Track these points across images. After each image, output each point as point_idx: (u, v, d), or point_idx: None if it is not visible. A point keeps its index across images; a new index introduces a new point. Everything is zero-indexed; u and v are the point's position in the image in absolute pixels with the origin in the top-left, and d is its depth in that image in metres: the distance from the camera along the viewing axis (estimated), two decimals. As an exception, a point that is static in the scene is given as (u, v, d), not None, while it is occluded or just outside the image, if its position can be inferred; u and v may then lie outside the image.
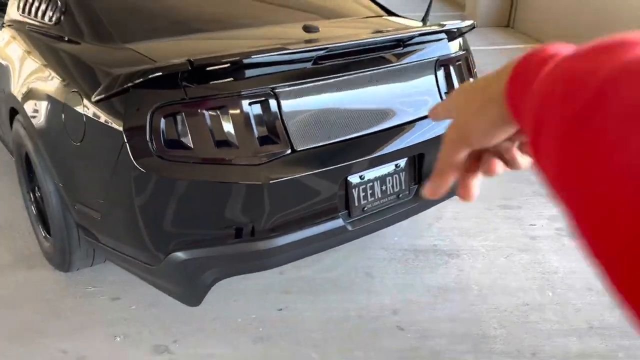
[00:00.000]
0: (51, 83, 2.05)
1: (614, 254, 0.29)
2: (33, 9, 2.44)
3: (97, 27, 2.09)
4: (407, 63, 2.11)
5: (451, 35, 2.28)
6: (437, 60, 2.20)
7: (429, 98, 2.18)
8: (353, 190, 1.98)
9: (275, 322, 2.19)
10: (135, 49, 1.93)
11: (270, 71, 1.82)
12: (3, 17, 2.81)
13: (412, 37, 2.09)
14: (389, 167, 2.07)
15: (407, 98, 2.14)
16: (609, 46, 0.35)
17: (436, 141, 2.16)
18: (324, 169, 1.89)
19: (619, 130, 0.29)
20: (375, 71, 2.03)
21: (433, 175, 0.54)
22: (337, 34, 2.26)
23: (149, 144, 1.68)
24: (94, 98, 1.75)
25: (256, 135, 1.78)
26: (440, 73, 2.22)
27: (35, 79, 2.17)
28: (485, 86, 0.48)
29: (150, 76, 1.63)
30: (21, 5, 2.55)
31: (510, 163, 0.54)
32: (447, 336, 2.11)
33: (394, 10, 2.79)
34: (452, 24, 2.19)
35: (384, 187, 2.07)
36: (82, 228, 2.09)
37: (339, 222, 1.97)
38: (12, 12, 2.66)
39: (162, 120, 1.68)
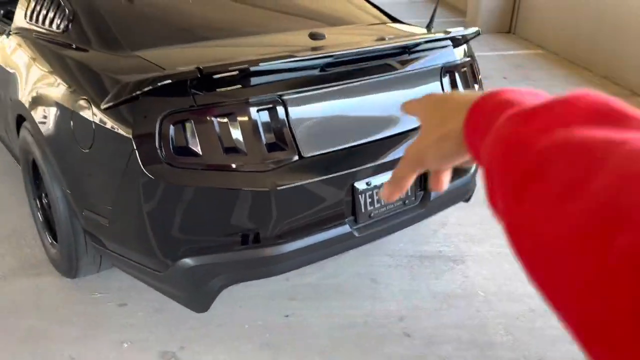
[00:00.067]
0: (59, 90, 2.07)
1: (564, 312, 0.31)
2: (40, 17, 2.46)
3: (105, 35, 2.10)
4: (413, 70, 2.13)
5: (456, 42, 2.29)
6: (442, 67, 2.21)
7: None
8: (360, 196, 1.99)
9: (281, 328, 2.19)
10: (144, 57, 1.94)
11: (277, 78, 1.83)
12: (9, 25, 2.83)
13: (418, 44, 2.10)
14: (395, 174, 2.07)
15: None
16: (555, 112, 0.37)
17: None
18: (331, 176, 1.90)
19: (550, 208, 0.32)
20: (381, 78, 2.04)
21: (390, 182, 0.57)
22: (343, 41, 2.28)
23: (158, 151, 1.69)
24: (104, 105, 1.76)
25: (264, 142, 1.79)
26: (446, 80, 2.23)
27: (43, 86, 2.18)
28: (443, 120, 0.50)
29: (160, 84, 1.65)
30: (28, 13, 2.57)
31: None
32: (454, 343, 2.11)
33: (397, 17, 2.81)
34: (458, 31, 2.21)
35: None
36: (90, 234, 2.10)
37: (345, 229, 1.98)
38: (19, 20, 2.68)
39: (171, 128, 1.69)
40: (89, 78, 1.97)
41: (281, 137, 1.83)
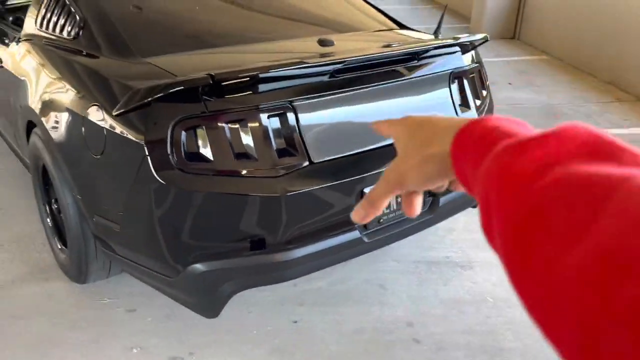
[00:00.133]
0: (70, 96, 2.08)
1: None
2: (51, 24, 2.48)
3: (116, 42, 2.12)
4: (422, 76, 2.13)
5: (464, 48, 2.30)
6: (451, 73, 2.22)
7: (444, 110, 2.20)
8: (369, 202, 1.99)
9: (290, 334, 2.19)
10: (154, 63, 1.95)
11: (288, 85, 1.84)
12: (19, 32, 2.85)
13: (427, 50, 2.11)
14: (404, 179, 2.07)
15: (422, 110, 2.15)
16: (551, 145, 0.37)
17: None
18: (340, 181, 1.90)
19: (553, 251, 0.31)
20: (390, 84, 2.05)
21: (364, 203, 0.55)
22: (352, 47, 2.29)
23: (170, 156, 1.70)
24: (115, 111, 1.77)
25: (274, 148, 1.80)
26: (454, 86, 2.24)
27: (53, 92, 2.20)
28: (426, 142, 0.50)
29: (172, 90, 1.66)
30: (39, 20, 2.59)
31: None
32: (464, 349, 2.11)
33: (403, 23, 2.82)
34: (466, 37, 2.22)
35: (399, 199, 2.08)
36: (100, 240, 2.11)
37: (355, 234, 1.98)
38: (29, 27, 2.70)
39: (183, 133, 1.70)
40: (100, 84, 1.98)
41: (291, 143, 1.83)
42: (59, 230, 2.47)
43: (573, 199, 0.32)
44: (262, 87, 1.79)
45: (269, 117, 1.79)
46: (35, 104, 2.30)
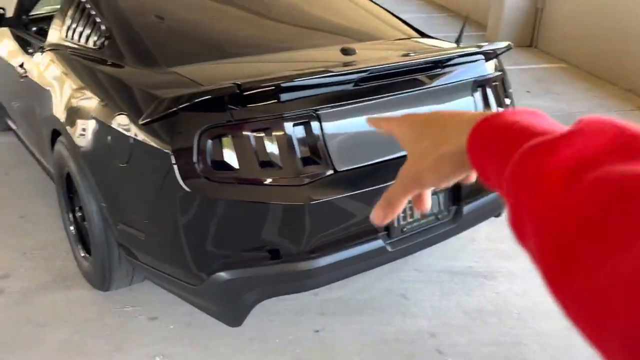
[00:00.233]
0: (96, 105, 2.10)
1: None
2: (76, 34, 2.51)
3: (141, 52, 2.14)
4: (445, 84, 2.13)
5: (487, 56, 2.29)
6: (474, 81, 2.21)
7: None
8: (393, 211, 1.98)
9: (312, 343, 2.18)
10: (180, 72, 1.97)
11: (312, 93, 1.84)
12: (42, 42, 2.89)
13: (451, 59, 2.11)
14: (427, 188, 2.06)
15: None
16: (580, 144, 0.36)
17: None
18: (364, 190, 1.89)
19: (598, 257, 0.31)
20: (414, 93, 2.04)
21: (382, 204, 0.55)
22: (374, 56, 2.29)
23: (196, 165, 1.70)
24: (142, 120, 1.79)
25: (299, 157, 1.80)
26: (478, 94, 2.23)
27: (79, 101, 2.22)
28: (439, 140, 0.49)
29: (200, 99, 1.67)
30: (64, 30, 2.62)
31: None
32: (488, 360, 2.08)
33: (425, 32, 2.81)
34: (490, 46, 2.21)
35: (423, 208, 2.06)
36: (124, 247, 2.12)
37: (378, 243, 1.97)
38: (54, 36, 2.74)
39: (209, 142, 1.71)
40: (126, 93, 2.00)
41: (316, 151, 1.83)
42: (82, 238, 2.49)
43: (614, 204, 0.31)
44: (287, 96, 1.79)
45: (293, 125, 1.80)
46: (60, 112, 2.33)
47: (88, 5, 2.44)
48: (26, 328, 2.26)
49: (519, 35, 7.22)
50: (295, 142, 1.79)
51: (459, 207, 2.16)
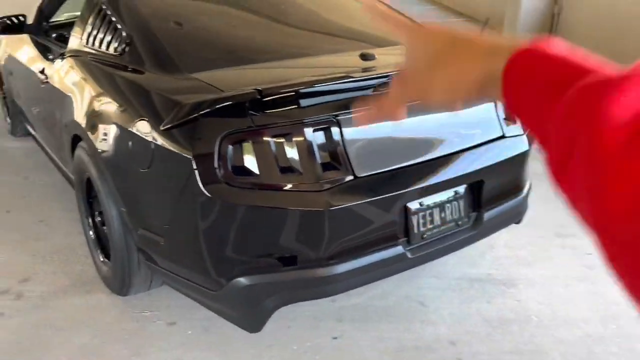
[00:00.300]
0: (117, 111, 2.12)
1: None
2: (97, 41, 2.53)
3: (162, 58, 2.15)
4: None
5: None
6: (494, 86, 2.19)
7: (488, 124, 2.17)
8: (412, 217, 1.97)
9: (330, 350, 2.16)
10: (200, 78, 1.98)
11: (332, 99, 1.84)
12: (62, 48, 2.92)
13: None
14: (448, 194, 2.05)
15: (466, 124, 2.13)
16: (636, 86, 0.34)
17: (496, 168, 2.13)
18: (384, 196, 1.88)
19: None
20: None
21: (376, 108, 0.55)
22: (393, 61, 2.27)
23: (217, 170, 1.71)
24: (164, 126, 1.80)
25: (319, 162, 1.79)
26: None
27: (100, 107, 2.24)
28: (465, 59, 0.46)
29: (221, 105, 1.67)
30: (84, 36, 2.65)
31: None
32: (510, 369, 2.05)
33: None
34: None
35: (443, 214, 2.05)
36: (143, 252, 2.12)
37: (398, 250, 1.95)
38: (74, 43, 2.76)
39: (230, 148, 1.71)
40: (147, 99, 2.01)
41: (335, 157, 1.83)
42: (101, 243, 2.50)
43: None
44: (307, 102, 1.79)
45: (313, 131, 1.79)
46: (81, 118, 2.35)
47: (109, 12, 2.47)
48: (45, 332, 2.27)
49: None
50: (315, 148, 1.79)
51: (479, 214, 2.14)
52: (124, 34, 2.33)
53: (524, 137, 2.26)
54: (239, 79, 2.03)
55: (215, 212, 1.75)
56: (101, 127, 2.19)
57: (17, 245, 2.89)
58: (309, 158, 1.77)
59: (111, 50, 2.40)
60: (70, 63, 2.70)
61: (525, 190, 2.34)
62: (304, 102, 1.78)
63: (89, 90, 2.39)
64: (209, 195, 1.71)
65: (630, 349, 2.13)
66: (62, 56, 2.84)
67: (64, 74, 2.74)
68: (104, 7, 2.52)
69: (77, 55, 2.68)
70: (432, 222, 2.02)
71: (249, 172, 1.73)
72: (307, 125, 1.78)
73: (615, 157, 0.33)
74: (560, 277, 2.60)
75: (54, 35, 3.54)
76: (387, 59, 2.26)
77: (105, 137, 2.16)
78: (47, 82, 2.91)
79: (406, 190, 1.92)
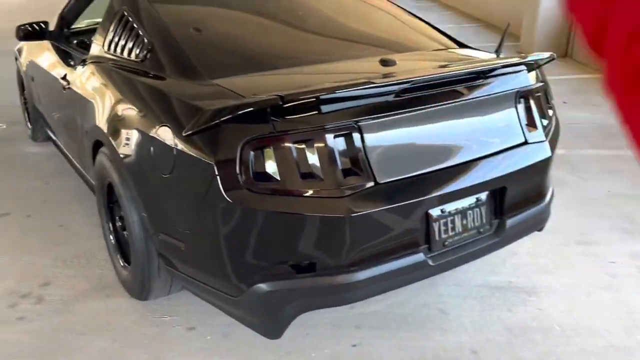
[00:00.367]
0: (139, 117, 2.13)
1: None
2: (118, 47, 2.56)
3: (184, 64, 2.17)
4: (488, 95, 2.09)
5: (529, 67, 2.24)
6: (517, 92, 2.17)
7: (510, 130, 2.14)
8: (434, 223, 1.95)
9: (349, 358, 2.15)
10: (222, 85, 1.98)
11: (354, 105, 1.83)
12: (84, 54, 2.96)
13: (494, 69, 2.07)
14: (469, 201, 2.03)
15: (488, 130, 2.11)
16: None
17: (518, 175, 2.11)
18: (405, 202, 1.87)
19: None
20: (456, 104, 2.01)
21: None
22: (414, 67, 2.27)
23: (239, 176, 1.71)
24: (185, 132, 1.80)
25: (340, 168, 1.78)
26: (521, 105, 2.18)
27: (122, 113, 2.26)
28: None
29: (243, 111, 1.67)
30: (106, 43, 2.68)
31: None
32: (533, 379, 2.02)
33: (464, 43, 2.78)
34: (533, 56, 2.16)
35: (464, 221, 2.03)
36: (164, 257, 2.13)
37: (420, 257, 1.94)
38: (96, 49, 2.79)
39: (251, 153, 1.71)
40: (170, 105, 2.02)
41: (357, 163, 1.82)
42: (121, 248, 2.52)
43: None
44: (329, 108, 1.78)
45: (335, 137, 1.78)
46: (103, 124, 2.37)
47: (130, 19, 2.49)
48: (65, 336, 2.29)
49: (554, 45, 7.10)
50: (337, 154, 1.78)
51: (501, 221, 2.12)
52: (145, 40, 2.35)
53: (546, 144, 2.23)
54: (260, 85, 2.04)
55: (236, 218, 1.75)
56: (123, 133, 2.21)
57: (37, 250, 2.93)
58: (330, 164, 1.77)
59: (132, 56, 2.42)
60: (91, 69, 2.73)
61: (547, 198, 2.31)
62: (325, 108, 1.77)
63: (111, 96, 2.41)
64: (230, 201, 1.71)
65: (656, 360, 2.09)
66: (83, 62, 2.88)
67: (85, 80, 2.77)
68: (125, 14, 2.55)
69: (98, 61, 2.71)
70: (453, 229, 2.00)
71: (270, 178, 1.73)
72: (329, 131, 1.77)
73: None
74: (582, 285, 2.56)
75: (75, 41, 3.59)
76: (407, 65, 2.25)
77: (127, 143, 2.17)
78: (68, 88, 2.95)
79: (428, 196, 1.91)
